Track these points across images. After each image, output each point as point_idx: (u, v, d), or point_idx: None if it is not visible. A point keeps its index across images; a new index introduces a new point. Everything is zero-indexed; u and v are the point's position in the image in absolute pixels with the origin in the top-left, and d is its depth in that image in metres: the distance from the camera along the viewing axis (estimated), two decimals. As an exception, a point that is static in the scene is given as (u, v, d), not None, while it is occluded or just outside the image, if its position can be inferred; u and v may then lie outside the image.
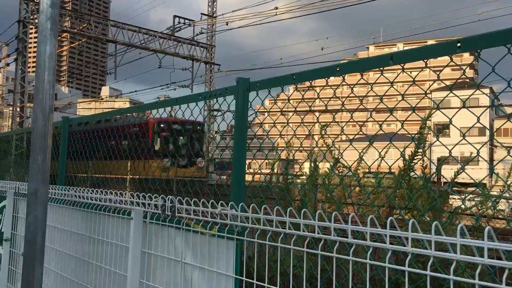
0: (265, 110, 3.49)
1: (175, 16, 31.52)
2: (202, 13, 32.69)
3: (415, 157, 3.52)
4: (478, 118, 1.97)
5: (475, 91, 2.03)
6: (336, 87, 2.93)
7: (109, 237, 3.34)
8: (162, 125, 22.74)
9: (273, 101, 3.49)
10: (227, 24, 30.43)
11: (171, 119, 21.93)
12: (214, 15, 32.90)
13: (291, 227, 2.11)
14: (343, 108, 2.81)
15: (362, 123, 2.67)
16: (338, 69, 2.53)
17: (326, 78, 2.64)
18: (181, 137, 24.23)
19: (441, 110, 2.11)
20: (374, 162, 2.70)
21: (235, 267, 2.35)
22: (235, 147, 3.11)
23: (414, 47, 2.34)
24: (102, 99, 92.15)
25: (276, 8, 26.41)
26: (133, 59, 31.49)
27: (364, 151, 3.06)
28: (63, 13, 28.52)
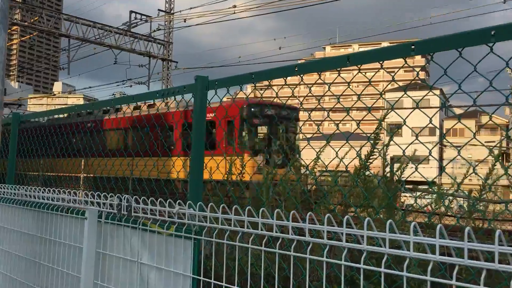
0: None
1: (131, 12, 30.91)
2: (159, 9, 32.21)
3: (371, 157, 3.60)
4: (431, 119, 2.04)
5: (427, 93, 2.10)
6: (294, 86, 2.96)
7: (61, 237, 3.24)
8: (253, 109, 16.26)
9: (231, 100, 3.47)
10: (185, 21, 30.16)
11: (262, 101, 16.06)
12: (172, 11, 32.50)
13: (249, 226, 2.11)
14: (301, 107, 2.84)
15: (319, 122, 2.71)
16: (296, 69, 2.56)
17: (284, 78, 2.65)
18: (275, 127, 17.54)
19: (395, 110, 2.17)
20: (331, 161, 2.74)
21: (192, 267, 2.34)
22: (193, 145, 3.09)
23: (369, 48, 2.39)
24: (55, 94, 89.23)
25: (235, 6, 26.39)
26: (88, 54, 30.66)
27: (321, 150, 3.10)
28: (14, 5, 27.40)
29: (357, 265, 1.71)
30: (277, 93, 2.67)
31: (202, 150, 3.08)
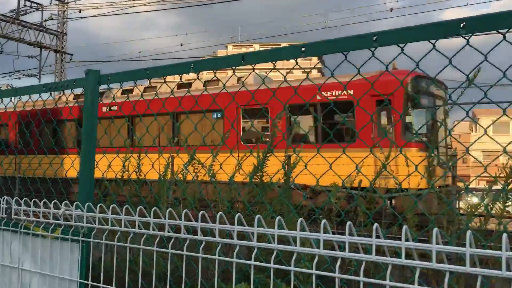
0: (117, 104, 3.34)
1: (20, -2, 28.62)
2: (52, -3, 30.21)
3: (267, 155, 3.67)
4: (321, 118, 2.12)
5: (316, 93, 2.19)
6: (191, 82, 2.93)
7: None
8: (422, 84, 11.53)
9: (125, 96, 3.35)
10: (80, 12, 28.65)
11: (420, 73, 9.14)
12: (66, 0, 30.66)
13: (141, 226, 2.05)
14: (197, 105, 2.81)
15: (215, 121, 2.70)
16: (192, 66, 2.53)
17: (180, 75, 2.61)
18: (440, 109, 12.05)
19: (288, 111, 2.23)
20: (227, 158, 2.76)
21: (79, 271, 2.22)
22: (83, 142, 2.93)
23: (266, 48, 2.43)
24: None
25: (134, -1, 25.58)
26: (-32, 42, 27.90)
27: (219, 148, 3.10)
28: None
29: (247, 261, 1.73)
30: (172, 90, 2.62)
31: (93, 147, 2.93)
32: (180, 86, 12.04)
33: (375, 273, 2.77)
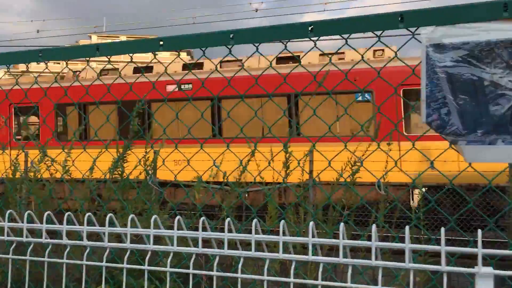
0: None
1: None
2: None
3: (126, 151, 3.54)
4: (177, 113, 2.10)
5: (174, 88, 2.16)
6: (37, 74, 2.71)
7: None
8: None
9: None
10: None
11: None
12: None
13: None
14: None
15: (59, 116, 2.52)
16: (40, 54, 2.34)
17: (27, 64, 2.40)
18: None
19: (146, 108, 2.17)
20: (80, 154, 2.60)
21: None
22: None
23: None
24: None
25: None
26: None
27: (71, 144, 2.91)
28: None
29: (98, 263, 1.65)
30: (17, 80, 2.39)
31: None
32: (279, 60, 9.03)
33: (236, 266, 2.83)
